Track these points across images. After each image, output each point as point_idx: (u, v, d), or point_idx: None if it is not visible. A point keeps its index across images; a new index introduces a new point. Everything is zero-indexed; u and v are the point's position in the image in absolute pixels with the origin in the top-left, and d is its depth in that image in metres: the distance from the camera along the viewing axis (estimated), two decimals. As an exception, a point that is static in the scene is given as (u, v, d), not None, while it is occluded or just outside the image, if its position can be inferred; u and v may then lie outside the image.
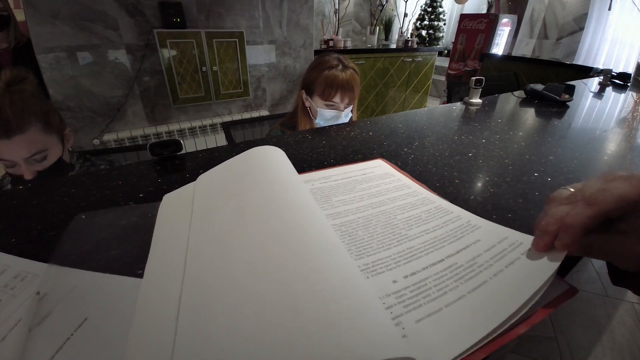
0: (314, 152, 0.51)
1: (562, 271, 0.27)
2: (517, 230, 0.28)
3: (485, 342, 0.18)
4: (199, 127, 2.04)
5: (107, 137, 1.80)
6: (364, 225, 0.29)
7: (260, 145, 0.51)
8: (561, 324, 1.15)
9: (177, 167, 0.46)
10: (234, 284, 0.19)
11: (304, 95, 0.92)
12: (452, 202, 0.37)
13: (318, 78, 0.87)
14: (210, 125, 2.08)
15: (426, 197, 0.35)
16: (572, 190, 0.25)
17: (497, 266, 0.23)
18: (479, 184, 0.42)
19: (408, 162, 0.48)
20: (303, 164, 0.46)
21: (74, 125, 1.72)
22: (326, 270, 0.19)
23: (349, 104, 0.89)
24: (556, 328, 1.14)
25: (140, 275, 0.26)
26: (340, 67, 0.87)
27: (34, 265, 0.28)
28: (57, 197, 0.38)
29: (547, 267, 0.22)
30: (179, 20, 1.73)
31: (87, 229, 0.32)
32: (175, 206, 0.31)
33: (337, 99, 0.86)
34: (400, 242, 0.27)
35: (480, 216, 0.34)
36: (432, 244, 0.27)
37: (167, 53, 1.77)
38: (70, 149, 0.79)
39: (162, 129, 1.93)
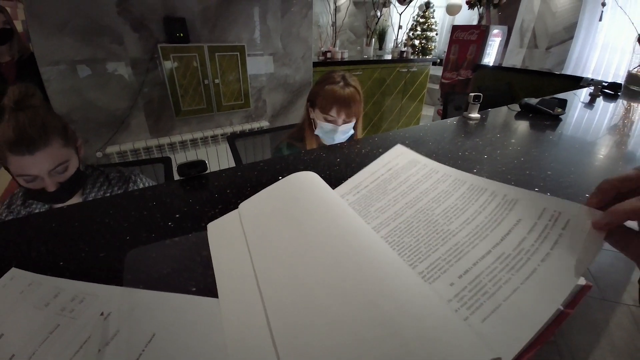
0: (331, 170, 0.54)
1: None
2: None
3: (541, 330, 0.20)
4: (201, 139, 2.07)
5: (109, 149, 1.82)
6: (407, 230, 0.30)
7: (280, 163, 0.55)
8: (561, 327, 1.19)
9: (204, 186, 0.49)
10: (321, 307, 0.22)
11: (309, 107, 0.98)
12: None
13: (320, 91, 0.93)
14: (212, 137, 2.11)
15: (456, 178, 0.35)
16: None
17: (543, 249, 0.24)
18: (487, 200, 0.46)
19: (419, 179, 0.52)
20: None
21: (79, 137, 1.74)
22: (406, 289, 0.22)
23: (347, 121, 0.93)
24: (556, 332, 1.17)
25: (194, 293, 0.29)
26: (342, 83, 0.92)
27: (91, 287, 0.30)
28: (97, 217, 0.40)
29: (591, 245, 0.23)
30: (182, 35, 1.77)
31: (138, 252, 0.35)
32: (226, 233, 0.34)
33: (333, 112, 0.91)
34: (446, 240, 0.27)
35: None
36: (476, 235, 0.27)
37: (170, 66, 1.80)
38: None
39: (164, 140, 1.95)
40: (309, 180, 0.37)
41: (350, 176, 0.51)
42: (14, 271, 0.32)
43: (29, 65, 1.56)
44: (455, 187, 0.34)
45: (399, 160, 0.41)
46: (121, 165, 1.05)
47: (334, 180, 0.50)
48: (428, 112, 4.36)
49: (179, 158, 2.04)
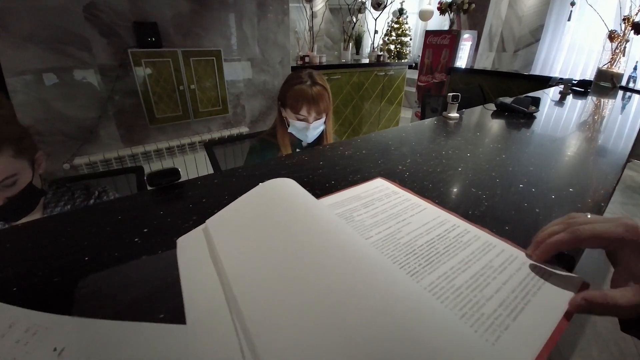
0: (314, 173, 0.52)
1: (570, 266, 0.31)
2: (515, 239, 0.33)
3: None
4: (177, 147, 2.00)
5: (78, 160, 1.71)
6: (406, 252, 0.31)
7: (260, 168, 0.52)
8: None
9: (178, 197, 0.45)
10: (313, 327, 0.19)
11: (280, 107, 0.99)
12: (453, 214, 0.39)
13: (288, 91, 0.94)
14: (189, 144, 2.04)
15: (446, 226, 0.36)
16: (576, 217, 0.30)
17: (529, 293, 0.27)
18: (475, 198, 0.45)
19: (405, 179, 0.50)
20: (306, 187, 0.47)
21: (44, 149, 1.63)
22: (410, 297, 0.21)
23: (317, 118, 0.96)
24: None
25: (162, 320, 0.25)
26: (309, 82, 0.94)
27: (43, 318, 0.26)
28: (53, 237, 0.36)
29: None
30: (154, 39, 1.70)
31: (98, 276, 0.30)
32: (197, 249, 0.31)
33: (304, 112, 0.93)
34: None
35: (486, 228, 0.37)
36: (476, 287, 0.27)
37: (142, 72, 1.73)
38: (41, 174, 0.75)
39: (138, 149, 1.86)
40: (283, 188, 0.34)
41: (334, 180, 0.49)
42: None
43: None
44: (448, 247, 0.34)
45: (377, 192, 0.44)
46: (90, 177, 0.98)
47: (318, 185, 0.48)
48: (406, 114, 4.45)
49: (155, 167, 1.95)
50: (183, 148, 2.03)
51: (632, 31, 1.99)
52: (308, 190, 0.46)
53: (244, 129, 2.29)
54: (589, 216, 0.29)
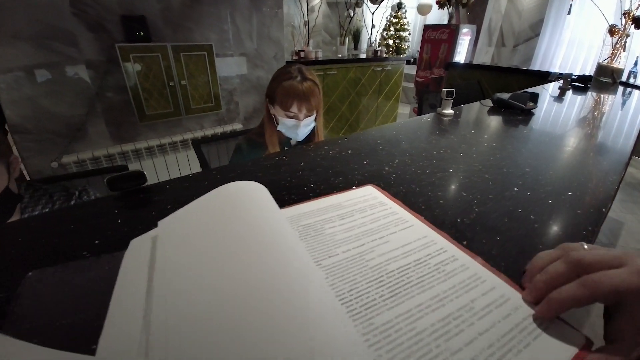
0: (293, 176, 0.48)
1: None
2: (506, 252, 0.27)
3: None
4: (169, 144, 1.95)
5: (66, 159, 1.67)
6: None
7: (235, 170, 0.48)
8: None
9: (142, 203, 0.41)
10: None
11: (268, 104, 0.94)
12: (440, 227, 0.36)
13: (277, 88, 0.89)
14: (182, 142, 2.00)
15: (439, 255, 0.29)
16: (573, 248, 0.25)
17: (511, 351, 0.21)
18: (465, 204, 0.42)
19: (391, 182, 0.47)
20: (282, 192, 0.44)
21: (32, 148, 1.59)
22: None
23: (308, 115, 0.91)
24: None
25: (93, 352, 0.22)
26: (299, 78, 0.89)
27: None
28: (-6, 250, 0.32)
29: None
30: (142, 34, 1.65)
31: (32, 292, 0.27)
32: (138, 256, 0.27)
33: (294, 109, 0.88)
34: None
35: (472, 243, 0.33)
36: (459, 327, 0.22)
37: (131, 68, 1.68)
38: (21, 177, 0.72)
39: (128, 147, 1.82)
40: (242, 193, 0.31)
41: (313, 184, 0.46)
42: None
43: None
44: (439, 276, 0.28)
45: (368, 199, 0.39)
46: (68, 177, 0.95)
47: (295, 190, 0.44)
48: (404, 110, 4.41)
49: (146, 165, 1.91)
50: (175, 145, 1.99)
51: (633, 25, 1.94)
52: (283, 196, 0.42)
53: (238, 126, 2.25)
54: (585, 247, 0.24)
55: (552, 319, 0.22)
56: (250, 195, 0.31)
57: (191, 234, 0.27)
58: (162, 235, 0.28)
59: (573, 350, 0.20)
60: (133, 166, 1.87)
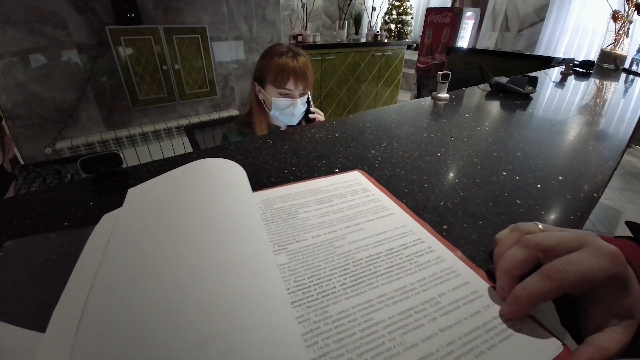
0: (274, 159, 0.47)
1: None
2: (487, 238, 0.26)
3: None
4: (164, 130, 1.93)
5: (60, 144, 1.66)
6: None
7: (216, 153, 0.47)
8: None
9: (117, 186, 0.40)
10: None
11: (257, 87, 0.89)
12: (422, 211, 0.34)
13: (269, 65, 0.85)
14: (176, 128, 1.97)
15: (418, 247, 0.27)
16: (524, 228, 0.23)
17: (472, 350, 0.19)
18: (449, 188, 0.40)
19: (375, 166, 0.45)
20: (262, 175, 0.42)
21: (24, 133, 1.58)
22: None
23: (303, 93, 0.87)
24: None
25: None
26: (290, 54, 0.85)
27: None
28: (-41, 232, 0.31)
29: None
30: (133, 15, 1.60)
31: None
32: (104, 230, 0.26)
33: (290, 85, 0.84)
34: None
35: (453, 228, 0.32)
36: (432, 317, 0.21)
37: (122, 51, 1.64)
38: (16, 157, 0.72)
39: (122, 133, 1.80)
40: (213, 170, 0.29)
41: (295, 167, 0.44)
42: None
43: None
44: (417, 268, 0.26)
45: (352, 186, 0.37)
46: (66, 161, 0.94)
47: (275, 171, 0.43)
48: (405, 97, 4.34)
49: (141, 152, 1.90)
50: (170, 131, 1.96)
51: (636, 12, 1.88)
52: (262, 179, 0.41)
53: (234, 112, 2.22)
54: (540, 226, 0.22)
55: (519, 318, 0.20)
56: (222, 174, 0.30)
57: (151, 207, 0.26)
58: (124, 208, 0.27)
59: (547, 357, 0.18)
60: (128, 153, 1.86)
